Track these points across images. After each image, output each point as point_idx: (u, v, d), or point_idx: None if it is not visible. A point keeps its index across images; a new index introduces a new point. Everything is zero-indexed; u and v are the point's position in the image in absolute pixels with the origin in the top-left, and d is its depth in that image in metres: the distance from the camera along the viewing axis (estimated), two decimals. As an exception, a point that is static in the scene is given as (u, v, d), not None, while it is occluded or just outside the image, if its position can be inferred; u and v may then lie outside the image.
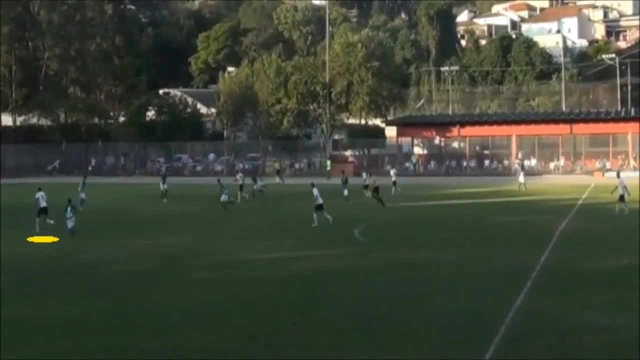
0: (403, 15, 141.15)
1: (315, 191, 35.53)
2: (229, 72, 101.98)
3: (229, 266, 25.63)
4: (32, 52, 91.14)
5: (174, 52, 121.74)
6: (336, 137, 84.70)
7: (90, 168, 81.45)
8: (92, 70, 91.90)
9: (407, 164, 78.57)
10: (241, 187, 48.05)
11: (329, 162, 72.70)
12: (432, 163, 79.15)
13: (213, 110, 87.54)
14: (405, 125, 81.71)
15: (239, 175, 50.99)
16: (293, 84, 79.03)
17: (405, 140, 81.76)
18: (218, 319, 18.49)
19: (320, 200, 35.24)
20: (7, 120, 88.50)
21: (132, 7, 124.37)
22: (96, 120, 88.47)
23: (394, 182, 51.84)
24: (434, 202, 47.61)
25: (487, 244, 29.34)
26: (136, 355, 15.68)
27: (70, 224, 32.84)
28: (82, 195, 43.69)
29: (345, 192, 46.02)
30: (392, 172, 53.27)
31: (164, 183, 48.48)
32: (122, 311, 19.45)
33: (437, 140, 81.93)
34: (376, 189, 44.51)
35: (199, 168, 79.20)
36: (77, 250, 29.60)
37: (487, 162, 77.40)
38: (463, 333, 16.52)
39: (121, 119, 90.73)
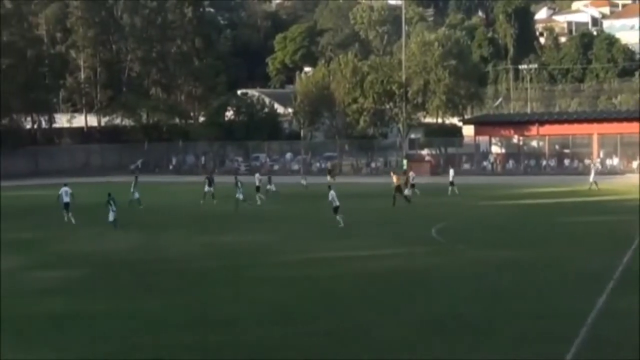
0: (480, 13, 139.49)
1: (332, 194, 35.38)
2: (305, 72, 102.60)
3: (307, 264, 25.83)
4: (116, 54, 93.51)
5: (251, 53, 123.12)
6: (413, 136, 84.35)
7: (171, 167, 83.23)
8: (173, 71, 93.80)
9: (484, 163, 77.76)
10: (258, 188, 47.95)
11: (405, 162, 72.47)
12: (510, 162, 78.08)
13: (290, 110, 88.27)
14: (482, 124, 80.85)
15: (256, 176, 50.92)
16: (369, 84, 78.95)
17: (483, 139, 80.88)
18: (296, 317, 18.59)
19: (337, 203, 35.04)
20: (92, 121, 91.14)
21: (211, 10, 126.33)
22: (177, 120, 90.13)
23: (451, 183, 51.18)
24: (512, 201, 47.07)
25: (566, 244, 28.98)
26: (214, 352, 15.81)
27: (112, 216, 34.74)
28: (136, 195, 44.72)
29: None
30: (451, 172, 52.99)
31: (209, 186, 47.33)
32: (198, 308, 19.62)
33: (515, 139, 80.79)
34: (398, 188, 44.26)
35: (276, 167, 79.94)
36: (154, 247, 30.14)
37: (567, 162, 75.95)
38: (541, 333, 16.42)
39: (201, 119, 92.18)
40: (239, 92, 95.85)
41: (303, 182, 58.05)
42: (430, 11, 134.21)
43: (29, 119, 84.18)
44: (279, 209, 43.96)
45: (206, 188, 47.36)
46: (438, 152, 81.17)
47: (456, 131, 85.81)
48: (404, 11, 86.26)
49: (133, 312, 19.29)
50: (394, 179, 45.10)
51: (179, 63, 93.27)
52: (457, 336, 16.51)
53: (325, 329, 17.09)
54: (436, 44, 79.35)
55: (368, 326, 17.43)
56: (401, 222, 36.95)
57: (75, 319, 18.61)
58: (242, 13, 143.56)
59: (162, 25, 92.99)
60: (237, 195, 43.42)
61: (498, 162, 78.67)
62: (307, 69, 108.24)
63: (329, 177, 66.15)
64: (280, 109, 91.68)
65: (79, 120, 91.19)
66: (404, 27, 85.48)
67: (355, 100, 79.42)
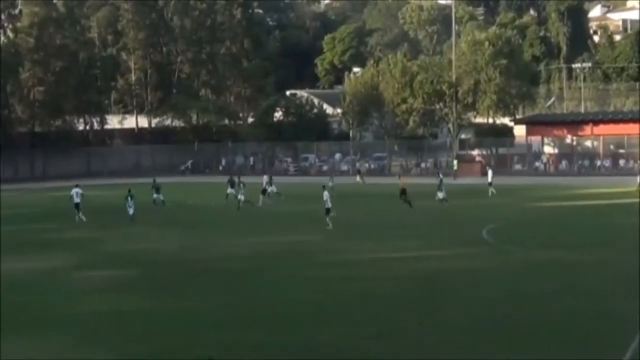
0: (532, 11, 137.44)
1: (325, 194, 35.11)
2: (354, 73, 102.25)
3: (354, 264, 25.68)
4: (166, 56, 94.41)
5: (300, 54, 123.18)
6: (463, 136, 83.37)
7: (220, 168, 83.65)
8: (222, 73, 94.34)
9: (536, 164, 76.46)
10: (264, 190, 47.47)
11: (455, 162, 71.71)
12: (564, 163, 76.59)
13: (339, 110, 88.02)
14: (534, 124, 79.50)
15: (265, 177, 50.48)
16: (419, 84, 78.28)
17: (535, 139, 79.52)
18: (343, 317, 18.49)
19: (329, 205, 34.76)
20: (143, 122, 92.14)
21: (260, 11, 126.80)
22: (226, 121, 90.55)
23: (490, 184, 50.47)
24: (565, 202, 46.18)
25: (619, 246, 28.28)
26: (257, 351, 15.85)
27: (130, 211, 37.58)
28: (157, 196, 44.82)
29: (440, 194, 44.81)
30: (489, 173, 52.22)
31: (231, 187, 46.57)
32: (242, 307, 19.66)
33: (568, 139, 79.27)
34: (403, 191, 43.47)
35: (325, 168, 79.76)
36: (199, 247, 30.29)
37: (622, 162, 74.22)
38: (592, 335, 16.08)
39: (250, 119, 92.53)
40: (287, 92, 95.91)
41: (330, 183, 57.21)
42: (481, 10, 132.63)
43: (81, 120, 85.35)
44: (318, 209, 43.77)
45: (229, 190, 46.83)
46: (489, 152, 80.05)
47: (507, 131, 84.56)
48: (454, 10, 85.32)
49: (179, 311, 19.43)
50: (400, 182, 45.00)
51: (228, 64, 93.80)
52: (505, 337, 16.27)
53: (370, 331, 16.91)
54: (487, 43, 78.28)
55: (416, 328, 17.22)
56: (451, 223, 36.49)
57: (124, 317, 18.86)
58: (291, 14, 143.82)
59: (212, 26, 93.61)
60: (238, 197, 43.65)
61: (551, 162, 77.26)
62: (355, 69, 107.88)
63: (358, 178, 66.02)
64: (329, 109, 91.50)
65: (130, 122, 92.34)
66: (454, 27, 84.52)
67: (404, 101, 78.87)
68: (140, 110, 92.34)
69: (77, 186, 40.04)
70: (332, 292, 21.22)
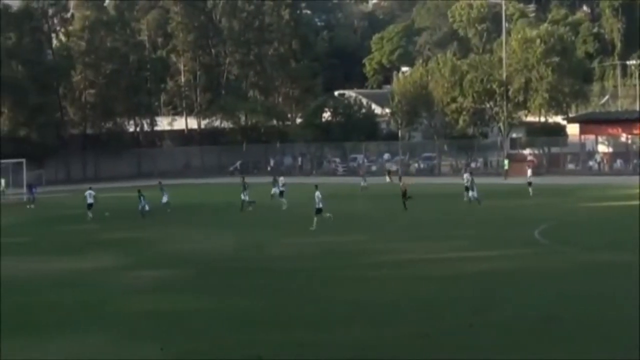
0: (585, 8, 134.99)
1: (317, 195, 34.82)
2: (403, 72, 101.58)
3: (402, 265, 25.48)
4: (215, 58, 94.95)
5: (348, 54, 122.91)
6: (514, 135, 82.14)
7: (269, 168, 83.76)
8: (270, 74, 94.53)
9: (590, 163, 74.91)
10: (281, 193, 46.70)
11: (506, 162, 70.66)
12: (619, 162, 74.86)
13: (387, 110, 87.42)
14: (588, 122, 77.89)
15: (280, 179, 49.74)
16: (469, 82, 77.37)
17: (589, 138, 77.95)
18: (392, 317, 18.39)
19: (321, 205, 34.52)
20: (192, 123, 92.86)
21: (308, 12, 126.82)
22: (274, 122, 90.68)
23: (529, 183, 49.80)
24: (620, 202, 45.04)
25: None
26: (307, 351, 15.77)
27: (140, 207, 41.29)
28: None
29: (472, 194, 43.93)
30: (529, 172, 51.24)
31: (245, 189, 45.00)
32: (294, 307, 19.75)
33: (623, 138, 77.50)
34: (404, 193, 42.67)
35: (374, 168, 79.32)
36: (254, 247, 30.38)
37: (680, 161, 72.28)
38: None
39: (298, 120, 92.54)
40: (336, 93, 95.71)
41: (363, 183, 57.17)
42: (532, 7, 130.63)
43: (131, 122, 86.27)
44: (372, 209, 43.46)
45: (242, 196, 45.22)
46: (541, 151, 78.69)
47: (560, 130, 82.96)
48: (504, 8, 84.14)
49: (230, 310, 19.63)
50: (401, 184, 44.57)
51: (276, 65, 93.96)
52: (555, 339, 15.89)
53: (419, 331, 16.78)
54: (538, 40, 77.00)
55: (465, 329, 16.96)
56: (502, 223, 35.90)
57: (174, 316, 19.07)
58: (339, 14, 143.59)
59: (260, 28, 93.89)
60: (242, 198, 43.53)
61: (605, 161, 75.62)
62: (404, 68, 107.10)
63: (387, 179, 65.58)
64: (377, 109, 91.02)
65: (180, 123, 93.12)
66: (504, 24, 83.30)
67: (454, 100, 78.05)
68: (189, 111, 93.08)
69: (90, 188, 43.08)
70: (380, 292, 21.10)
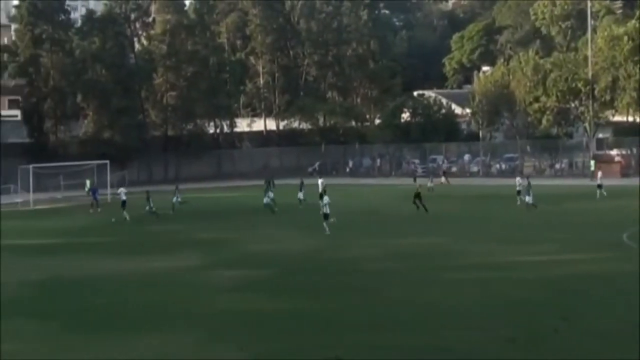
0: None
1: (326, 199, 34.26)
2: (483, 72, 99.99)
3: (486, 268, 25.05)
4: (293, 59, 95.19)
5: (427, 53, 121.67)
6: (600, 135, 79.75)
7: (347, 169, 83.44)
8: (349, 74, 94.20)
9: (683, 164, 71.98)
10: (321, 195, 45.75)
11: (593, 163, 68.52)
12: None
13: (468, 110, 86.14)
14: (679, 121, 74.98)
15: (320, 181, 48.83)
16: (552, 81, 75.59)
17: (680, 137, 74.91)
18: (475, 321, 18.13)
19: (327, 210, 33.91)
20: (271, 124, 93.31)
21: (387, 12, 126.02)
22: (353, 123, 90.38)
23: (599, 186, 48.76)
24: None
25: None
26: (387, 353, 15.72)
27: (147, 208, 43.62)
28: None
29: (528, 198, 42.33)
30: (599, 174, 49.54)
31: (270, 189, 45.61)
32: (379, 308, 19.66)
33: None
34: (418, 195, 41.34)
35: (454, 169, 78.15)
36: (334, 248, 30.27)
37: None
38: None
39: (377, 121, 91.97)
40: (415, 93, 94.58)
41: (430, 184, 56.25)
42: (619, 3, 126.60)
43: (211, 124, 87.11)
44: (456, 210, 42.69)
45: (265, 199, 45.22)
46: (629, 152, 76.02)
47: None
48: (589, 4, 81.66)
49: (310, 311, 19.73)
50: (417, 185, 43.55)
51: (354, 66, 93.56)
52: None
53: (504, 336, 16.43)
54: (625, 38, 74.57)
55: (551, 334, 16.51)
56: (589, 226, 34.71)
57: (255, 316, 19.28)
58: (418, 13, 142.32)
59: (338, 28, 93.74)
60: (264, 200, 43.49)
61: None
62: (485, 68, 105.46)
63: (443, 179, 64.28)
64: (457, 109, 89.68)
65: (259, 125, 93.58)
66: (590, 21, 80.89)
67: (537, 99, 76.38)
68: (268, 113, 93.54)
69: (122, 187, 46.43)
70: (462, 295, 20.80)
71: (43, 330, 18.61)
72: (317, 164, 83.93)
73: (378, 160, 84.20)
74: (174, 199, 47.37)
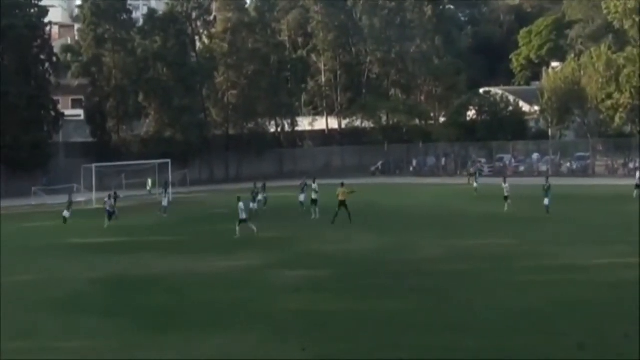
0: None
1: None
2: (553, 68, 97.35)
3: (557, 270, 24.50)
4: (355, 57, 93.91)
5: (494, 49, 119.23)
6: (678, 133, 76.46)
7: (411, 169, 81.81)
8: (412, 72, 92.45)
9: None
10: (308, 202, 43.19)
11: (669, 162, 65.54)
12: None
13: (536, 108, 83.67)
14: None
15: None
16: (626, 77, 72.97)
17: None
18: (544, 325, 17.77)
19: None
20: (333, 123, 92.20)
21: (451, 7, 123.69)
22: (417, 121, 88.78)
23: (637, 186, 47.14)
24: None
25: None
26: (452, 354, 15.66)
27: (165, 202, 45.58)
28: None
29: (546, 201, 39.98)
30: (637, 174, 48.56)
31: (304, 191, 44.15)
32: (444, 310, 19.51)
33: None
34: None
35: (522, 168, 75.86)
36: (399, 249, 29.89)
37: None
38: None
39: (441, 119, 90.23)
40: (481, 90, 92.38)
41: (475, 184, 54.08)
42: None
43: (273, 122, 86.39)
44: (516, 211, 40.95)
45: (299, 197, 44.39)
46: None
47: None
48: (665, -4, 78.26)
49: (374, 312, 19.43)
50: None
51: (418, 63, 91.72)
52: None
53: (572, 341, 15.99)
54: None
55: (620, 339, 16.07)
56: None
57: (317, 316, 19.16)
58: (484, 8, 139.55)
59: (401, 25, 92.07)
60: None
61: None
62: (554, 64, 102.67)
63: (470, 181, 61.55)
64: (525, 107, 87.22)
65: (321, 123, 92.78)
66: (666, 14, 77.55)
67: (609, 96, 73.70)
68: (330, 111, 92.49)
69: (116, 195, 45.86)
70: (529, 298, 20.27)
71: (110, 328, 18.71)
72: (379, 163, 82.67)
73: (443, 160, 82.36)
74: (260, 197, 45.76)
